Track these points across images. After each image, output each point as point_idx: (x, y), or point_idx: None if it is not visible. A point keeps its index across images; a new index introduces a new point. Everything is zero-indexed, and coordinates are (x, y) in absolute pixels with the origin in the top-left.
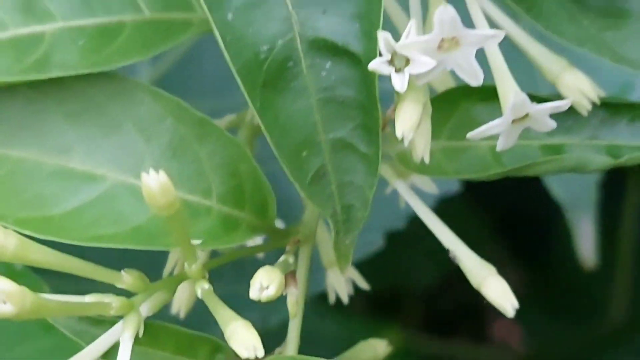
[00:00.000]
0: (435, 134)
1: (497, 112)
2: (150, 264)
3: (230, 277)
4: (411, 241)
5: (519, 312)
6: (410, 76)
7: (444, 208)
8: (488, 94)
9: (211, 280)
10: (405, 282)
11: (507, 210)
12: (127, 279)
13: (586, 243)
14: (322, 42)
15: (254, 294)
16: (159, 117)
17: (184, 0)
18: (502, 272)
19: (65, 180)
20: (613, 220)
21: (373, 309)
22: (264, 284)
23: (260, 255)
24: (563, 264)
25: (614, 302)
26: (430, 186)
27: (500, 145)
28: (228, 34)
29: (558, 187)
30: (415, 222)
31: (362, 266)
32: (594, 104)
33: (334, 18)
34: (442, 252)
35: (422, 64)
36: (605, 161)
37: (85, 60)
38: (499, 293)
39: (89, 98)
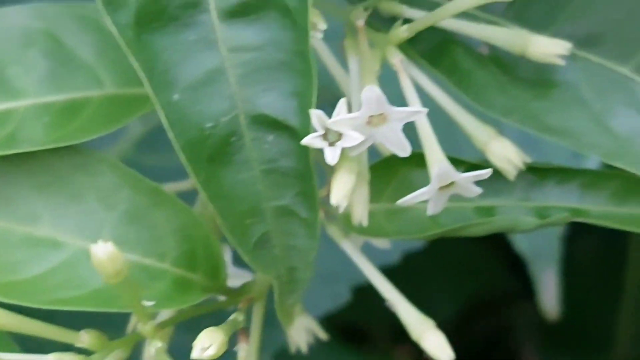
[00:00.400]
0: (376, 197)
1: None
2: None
3: (207, 326)
4: (431, 273)
5: (537, 345)
6: (344, 149)
7: (459, 245)
8: (424, 160)
9: (188, 330)
10: (427, 315)
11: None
12: (85, 338)
13: (549, 295)
14: (263, 117)
15: (196, 354)
16: (117, 187)
17: None
18: (518, 306)
19: (32, 247)
20: (619, 257)
21: (394, 341)
22: (205, 344)
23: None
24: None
25: (623, 336)
26: (382, 243)
27: (429, 210)
28: (173, 113)
29: (521, 240)
30: (432, 255)
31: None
32: (524, 168)
33: (274, 96)
34: (462, 285)
35: (352, 138)
36: (532, 222)
37: (50, 136)
38: (436, 346)
39: (56, 170)
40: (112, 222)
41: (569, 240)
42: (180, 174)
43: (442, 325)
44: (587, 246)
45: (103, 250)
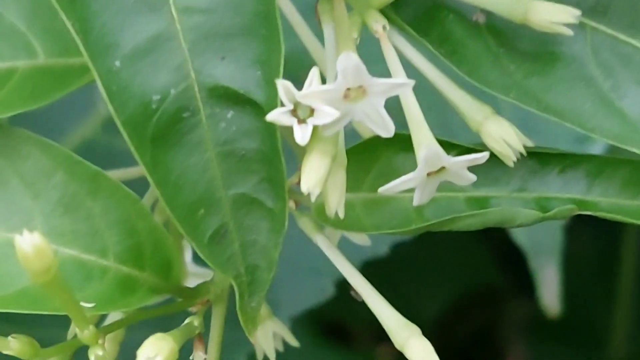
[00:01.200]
0: (355, 186)
1: None
2: None
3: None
4: (418, 267)
5: (529, 343)
6: (316, 127)
7: (446, 238)
8: (410, 143)
9: (137, 327)
10: (413, 312)
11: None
12: (14, 344)
13: (550, 290)
14: (221, 89)
15: None
16: (47, 171)
17: None
18: (507, 301)
19: None
20: (613, 252)
21: (378, 340)
22: (151, 354)
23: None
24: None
25: (616, 332)
26: (362, 239)
27: (416, 200)
28: (113, 83)
29: (521, 232)
30: (422, 252)
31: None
32: (522, 154)
33: (233, 65)
34: (449, 282)
35: (326, 114)
36: (532, 215)
37: None
38: (422, 355)
39: None
40: (42, 211)
41: (565, 231)
42: None
43: (430, 321)
44: (581, 238)
45: (29, 242)
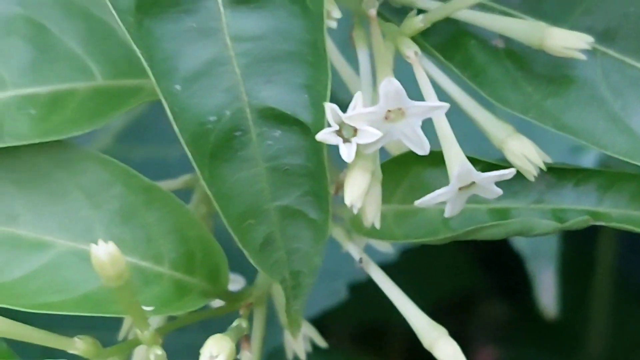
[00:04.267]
0: (386, 198)
1: (447, 177)
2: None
3: (196, 327)
4: (395, 275)
5: (502, 343)
6: (359, 145)
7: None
8: (438, 159)
9: (178, 331)
10: (388, 317)
11: (492, 244)
12: (79, 345)
13: (547, 294)
14: (270, 111)
15: None
16: (107, 184)
17: (135, 67)
18: (485, 304)
19: (14, 248)
20: (589, 253)
21: (355, 343)
22: (214, 353)
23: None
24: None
25: (591, 335)
26: (385, 246)
27: (447, 212)
28: (175, 105)
29: (519, 238)
30: (403, 257)
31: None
32: (540, 169)
33: (281, 88)
34: (427, 285)
35: (369, 134)
36: (550, 225)
37: (35, 129)
38: (450, 356)
39: (36, 166)
40: (102, 221)
41: None
42: (166, 168)
43: (405, 326)
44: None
45: (104, 251)
